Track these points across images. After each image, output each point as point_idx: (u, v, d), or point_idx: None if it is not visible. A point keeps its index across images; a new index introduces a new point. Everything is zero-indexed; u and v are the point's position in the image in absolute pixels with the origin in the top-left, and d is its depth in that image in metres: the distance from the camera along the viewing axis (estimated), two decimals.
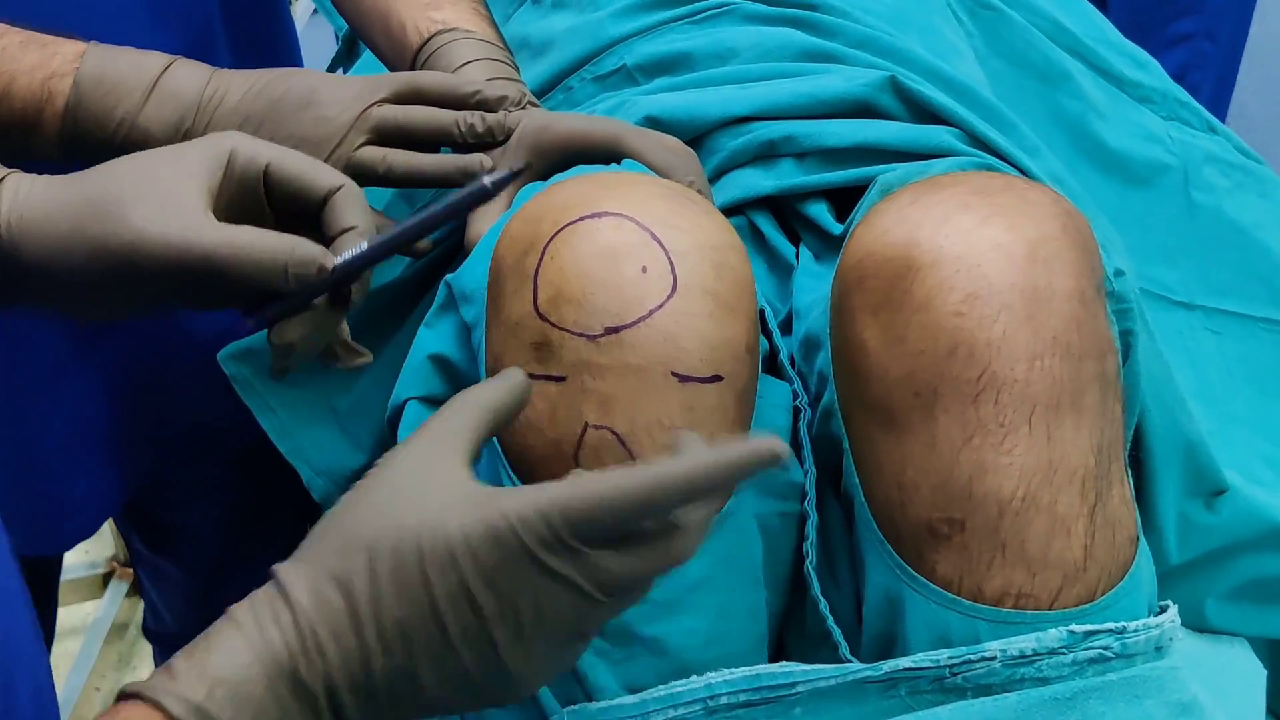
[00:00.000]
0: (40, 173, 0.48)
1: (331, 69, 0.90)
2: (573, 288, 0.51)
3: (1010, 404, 0.51)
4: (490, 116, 0.61)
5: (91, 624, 1.32)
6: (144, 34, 0.60)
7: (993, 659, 0.49)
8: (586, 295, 0.51)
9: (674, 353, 0.51)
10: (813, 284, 0.64)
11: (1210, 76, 1.45)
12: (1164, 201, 0.73)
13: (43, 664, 0.39)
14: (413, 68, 0.66)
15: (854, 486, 0.55)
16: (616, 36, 0.70)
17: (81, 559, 1.41)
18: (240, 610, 0.39)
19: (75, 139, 0.55)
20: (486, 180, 0.48)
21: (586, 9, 0.72)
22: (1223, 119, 1.55)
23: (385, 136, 0.59)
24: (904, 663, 0.50)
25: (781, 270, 0.67)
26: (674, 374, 0.52)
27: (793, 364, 0.61)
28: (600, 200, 0.52)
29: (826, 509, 0.58)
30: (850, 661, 0.52)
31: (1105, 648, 0.50)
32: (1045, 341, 0.52)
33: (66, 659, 1.27)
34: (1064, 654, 0.49)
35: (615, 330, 0.51)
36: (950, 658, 0.49)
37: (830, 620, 0.54)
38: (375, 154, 0.59)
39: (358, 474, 0.42)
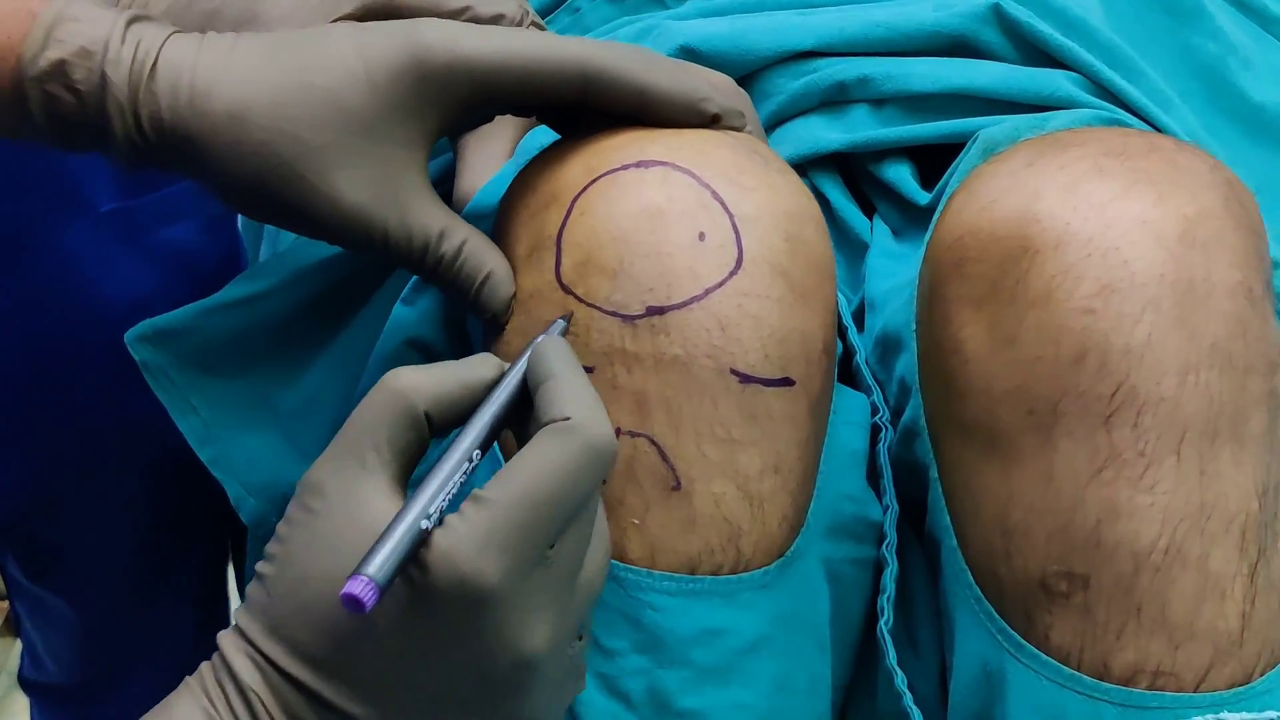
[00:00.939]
0: None
1: None
2: (607, 254, 0.48)
3: (1154, 428, 0.47)
4: None
5: None
6: None
7: None
8: (624, 264, 0.47)
9: (734, 345, 0.47)
10: (892, 267, 0.61)
11: None
12: None
13: None
14: None
15: (943, 528, 0.52)
16: None
17: None
18: (193, 683, 0.41)
19: None
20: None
21: None
22: None
23: None
24: None
25: (852, 249, 0.64)
26: (733, 372, 0.48)
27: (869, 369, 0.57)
28: (646, 145, 0.49)
29: (907, 554, 0.55)
30: None
31: None
32: (1202, 350, 0.48)
33: None
34: None
35: (659, 311, 0.48)
36: None
37: (908, 698, 0.52)
38: None
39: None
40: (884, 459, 0.56)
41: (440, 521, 0.39)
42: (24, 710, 1.15)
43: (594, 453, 0.41)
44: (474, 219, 0.55)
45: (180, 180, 0.76)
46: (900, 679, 0.52)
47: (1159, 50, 0.67)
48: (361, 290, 0.63)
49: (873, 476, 0.56)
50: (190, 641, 0.88)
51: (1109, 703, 0.47)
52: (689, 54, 0.62)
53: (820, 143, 0.64)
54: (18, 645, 1.00)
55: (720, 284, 0.48)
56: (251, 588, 0.42)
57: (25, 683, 0.95)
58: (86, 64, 0.46)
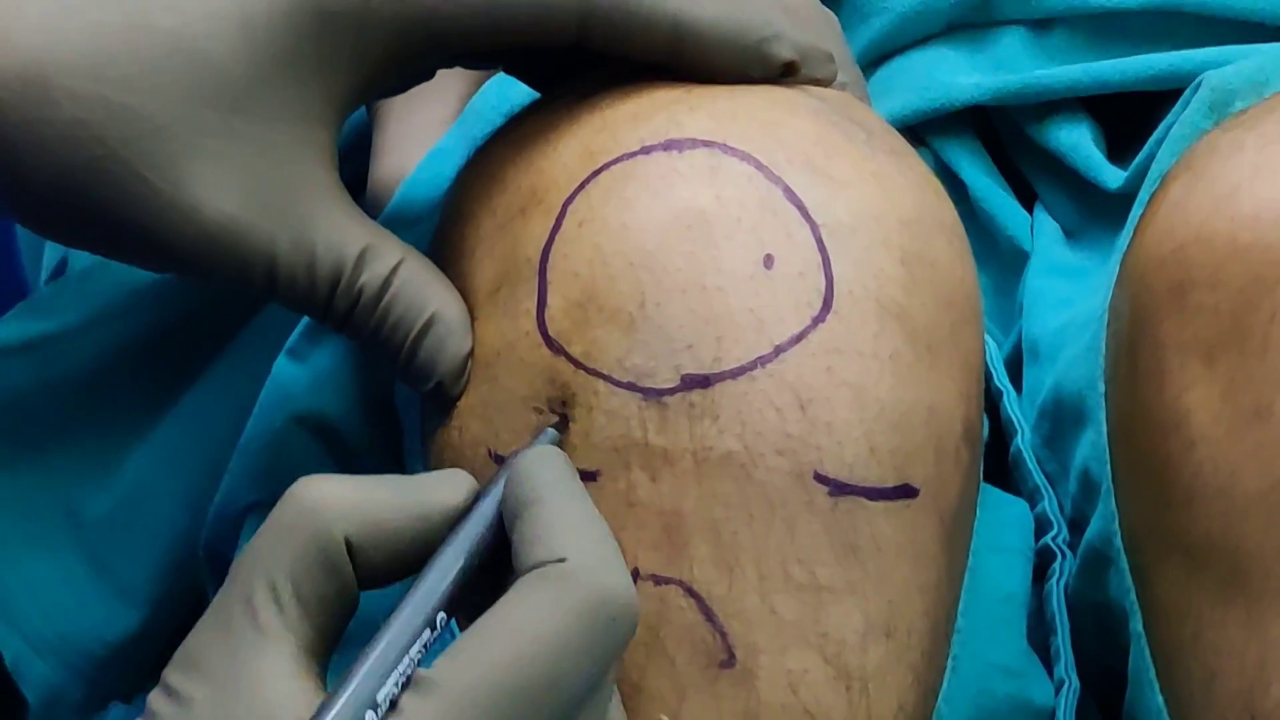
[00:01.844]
0: None
1: None
2: (620, 290, 0.43)
3: None
4: None
5: None
6: None
7: None
8: (647, 306, 0.43)
9: (820, 433, 0.43)
10: (1064, 290, 0.57)
11: None
12: None
13: None
14: None
15: (1153, 713, 0.48)
16: None
17: None
18: None
19: None
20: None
21: None
22: None
23: None
24: None
25: (1001, 261, 0.60)
26: (818, 477, 0.42)
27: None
28: (681, 113, 0.45)
29: None
30: None
31: None
32: None
33: None
34: None
35: (703, 382, 0.42)
36: None
37: None
38: None
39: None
40: (1057, 603, 0.52)
41: None
42: None
43: (601, 612, 0.37)
44: (402, 225, 0.53)
45: None
46: None
47: None
48: (215, 330, 0.60)
49: (1039, 632, 0.53)
50: None
51: None
52: None
53: (951, 91, 0.60)
54: None
55: (799, 336, 0.43)
56: None
57: None
58: None
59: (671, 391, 0.43)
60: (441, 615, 0.40)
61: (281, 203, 0.45)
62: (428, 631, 0.39)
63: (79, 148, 0.43)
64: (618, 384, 0.43)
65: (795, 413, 0.43)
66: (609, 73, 0.48)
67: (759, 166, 0.44)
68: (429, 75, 0.52)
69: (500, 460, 0.45)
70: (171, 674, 0.39)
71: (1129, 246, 0.50)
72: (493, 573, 0.42)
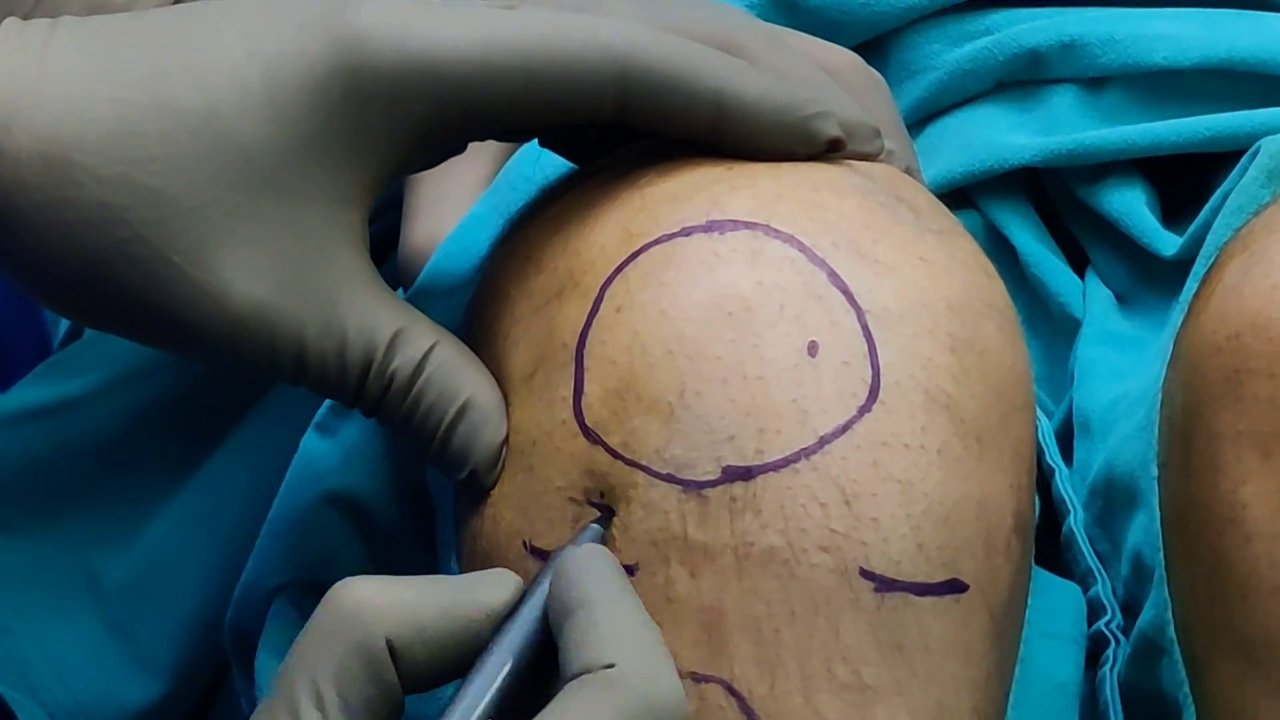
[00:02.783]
0: None
1: None
2: (659, 378, 0.42)
3: None
4: None
5: None
6: None
7: None
8: (687, 396, 0.42)
9: (866, 529, 0.42)
10: (1117, 362, 0.56)
11: None
12: None
13: None
14: None
15: None
16: None
17: None
18: None
19: None
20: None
21: None
22: None
23: None
24: None
25: (1053, 327, 0.60)
26: (864, 574, 0.42)
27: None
28: (722, 193, 0.44)
29: None
30: None
31: None
32: None
33: None
34: None
35: (745, 475, 0.42)
36: None
37: None
38: None
39: None
40: (1110, 692, 0.51)
41: None
42: None
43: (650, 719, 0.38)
44: (435, 297, 0.53)
45: None
46: None
47: None
48: (237, 395, 0.60)
49: None
50: None
51: None
52: (783, 4, 0.59)
53: (1001, 152, 0.59)
54: None
55: (844, 428, 0.42)
56: None
57: None
58: None
59: (713, 484, 0.42)
60: None
61: (311, 287, 0.44)
62: None
63: (103, 230, 0.42)
64: (657, 475, 0.42)
65: (840, 508, 0.42)
66: (648, 146, 0.47)
67: (802, 249, 0.43)
68: (461, 150, 0.51)
69: (536, 552, 0.44)
70: None
71: (1182, 328, 0.49)
72: (539, 673, 0.41)
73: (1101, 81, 0.60)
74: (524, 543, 0.45)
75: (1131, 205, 0.59)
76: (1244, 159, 0.54)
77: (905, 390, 0.43)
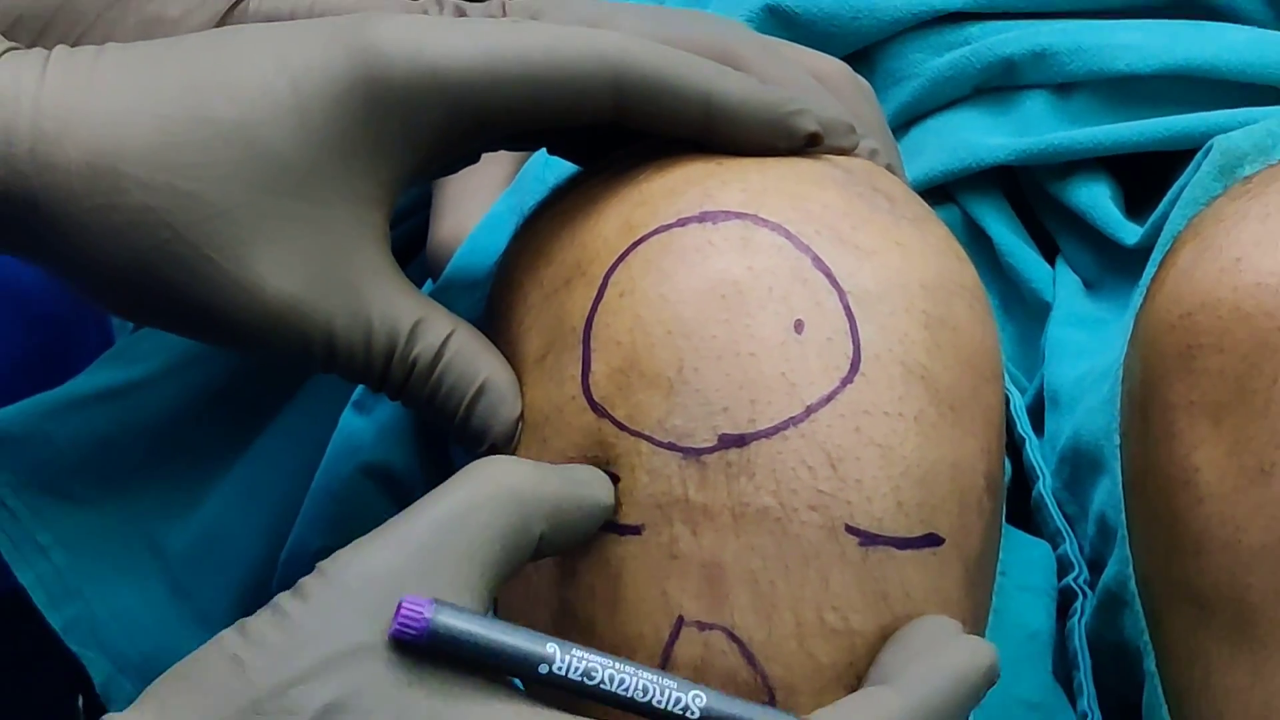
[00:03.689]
0: None
1: None
2: (659, 356, 0.45)
3: None
4: None
5: None
6: None
7: None
8: (685, 371, 0.44)
9: (850, 489, 0.44)
10: (1084, 341, 0.58)
11: None
12: None
13: None
14: None
15: None
16: None
17: None
18: None
19: None
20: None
21: None
22: None
23: None
24: None
25: (1026, 311, 0.61)
26: (850, 529, 0.44)
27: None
28: (714, 186, 0.46)
29: None
30: None
31: None
32: None
33: None
34: None
35: (739, 441, 0.44)
36: None
37: None
38: None
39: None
40: (1078, 640, 0.52)
41: None
42: None
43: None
44: (460, 290, 0.54)
45: None
46: None
47: None
48: (285, 377, 0.61)
49: (1063, 667, 0.53)
50: None
51: None
52: (778, 18, 0.60)
53: (978, 151, 0.61)
54: None
55: (828, 398, 0.44)
56: None
57: None
58: None
59: (710, 451, 0.44)
60: None
61: (338, 281, 0.45)
62: None
63: (147, 231, 0.44)
64: (659, 444, 0.44)
65: (827, 470, 0.44)
66: (645, 147, 0.48)
67: (789, 237, 0.45)
68: (475, 159, 0.52)
69: None
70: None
71: (1141, 308, 0.51)
72: None
73: (1070, 87, 0.61)
74: None
75: (1097, 199, 0.60)
76: (1198, 156, 0.55)
77: (884, 363, 0.44)
